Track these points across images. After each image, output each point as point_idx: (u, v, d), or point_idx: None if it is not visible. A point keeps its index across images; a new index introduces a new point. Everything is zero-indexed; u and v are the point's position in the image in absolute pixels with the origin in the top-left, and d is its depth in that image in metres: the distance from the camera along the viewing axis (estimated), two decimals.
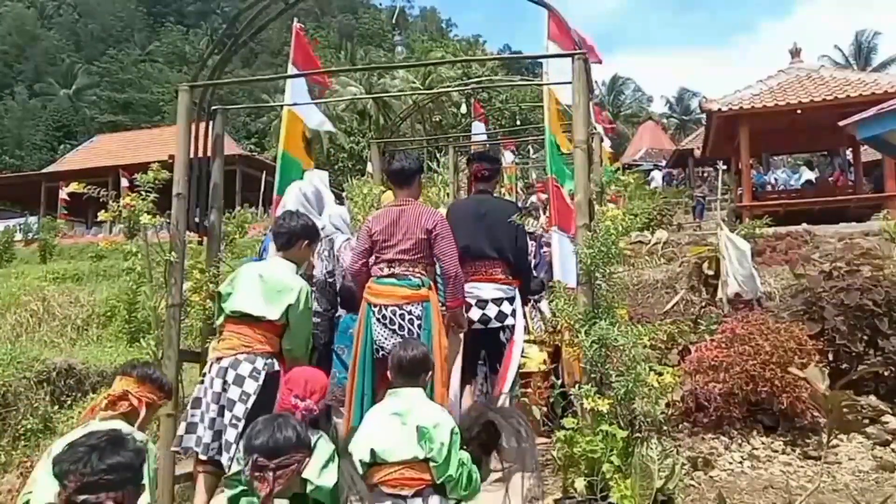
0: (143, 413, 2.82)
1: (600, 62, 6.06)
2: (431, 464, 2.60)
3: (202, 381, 3.78)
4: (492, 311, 4.13)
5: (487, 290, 4.13)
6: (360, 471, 2.62)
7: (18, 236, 22.36)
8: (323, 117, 6.11)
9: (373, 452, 2.64)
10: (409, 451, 2.63)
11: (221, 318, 3.89)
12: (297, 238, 3.90)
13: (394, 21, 65.41)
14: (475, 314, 4.12)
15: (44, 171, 32.25)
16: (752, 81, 16.43)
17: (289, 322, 3.71)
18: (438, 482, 2.60)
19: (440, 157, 15.21)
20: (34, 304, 10.49)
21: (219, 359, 3.70)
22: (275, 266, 3.87)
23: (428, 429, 2.63)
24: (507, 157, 14.65)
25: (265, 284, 3.73)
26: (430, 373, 2.99)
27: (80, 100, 56.24)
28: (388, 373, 2.91)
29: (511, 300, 4.23)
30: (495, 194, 4.85)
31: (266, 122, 40.99)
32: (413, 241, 3.75)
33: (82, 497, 1.75)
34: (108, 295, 10.49)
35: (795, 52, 17.42)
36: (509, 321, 4.23)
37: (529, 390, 4.58)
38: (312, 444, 2.47)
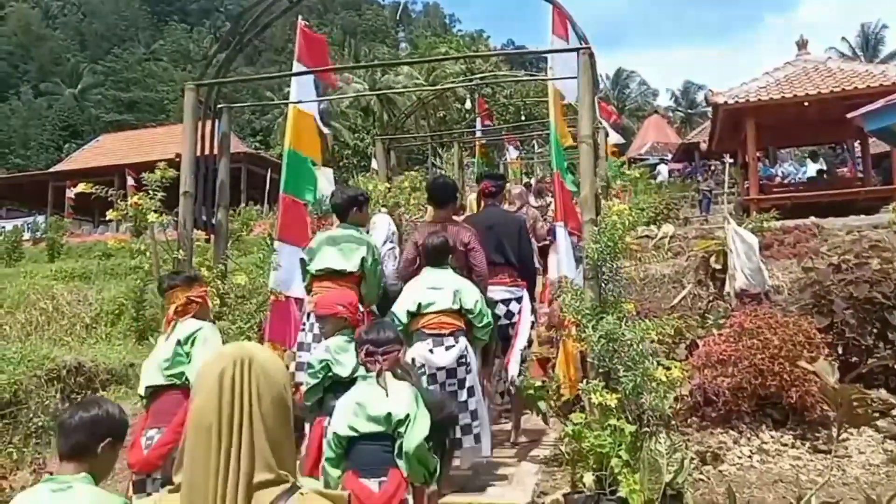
0: (210, 304, 3.71)
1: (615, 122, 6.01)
2: (467, 314, 3.78)
3: (303, 329, 4.45)
4: (501, 310, 4.61)
5: (497, 293, 4.61)
6: (405, 320, 3.83)
7: (26, 235, 22.49)
8: (323, 111, 6.13)
9: (418, 305, 3.89)
10: (447, 303, 3.89)
11: (308, 279, 4.50)
12: (346, 208, 4.56)
13: (397, 17, 65.34)
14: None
15: (50, 170, 32.36)
16: (757, 74, 16.34)
17: (364, 272, 4.35)
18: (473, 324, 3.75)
19: (444, 153, 15.20)
20: (43, 303, 10.55)
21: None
22: (343, 230, 4.52)
23: (461, 289, 3.88)
24: (512, 153, 14.65)
25: (339, 245, 4.39)
26: (452, 256, 3.88)
27: (86, 99, 56.43)
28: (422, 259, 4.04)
29: (518, 300, 4.74)
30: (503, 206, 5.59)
31: (270, 120, 41.05)
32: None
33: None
34: (116, 293, 10.54)
35: (802, 45, 17.29)
36: (516, 318, 4.73)
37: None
38: None
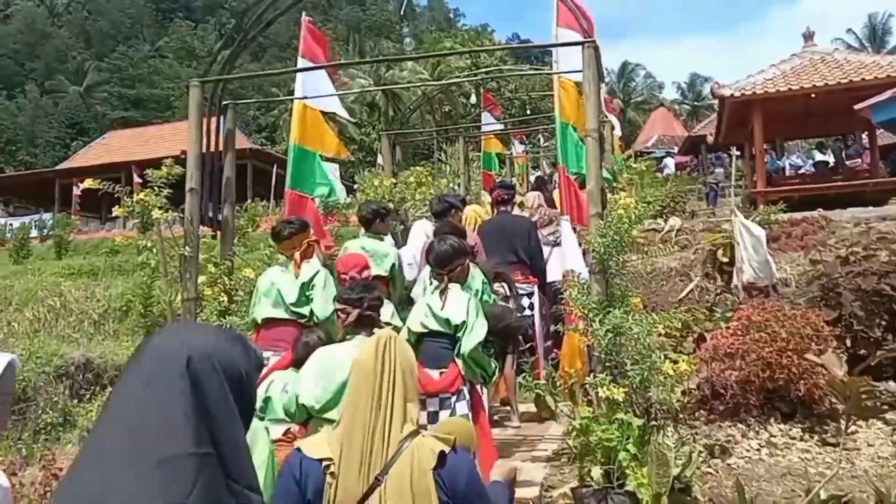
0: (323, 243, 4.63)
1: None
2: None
3: None
4: (525, 301, 5.07)
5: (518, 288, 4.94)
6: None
7: (34, 233, 22.60)
8: (337, 103, 6.16)
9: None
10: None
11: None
12: (370, 219, 4.97)
13: (402, 12, 65.17)
14: (511, 305, 4.92)
15: (57, 168, 32.49)
16: (764, 66, 16.24)
17: (392, 276, 4.75)
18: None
19: (448, 147, 15.18)
20: (51, 300, 10.62)
21: None
22: (369, 240, 4.92)
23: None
24: (518, 147, 14.59)
25: (370, 252, 4.62)
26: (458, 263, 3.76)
27: (92, 97, 56.59)
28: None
29: (530, 295, 5.13)
30: (514, 212, 5.98)
31: (276, 116, 41.07)
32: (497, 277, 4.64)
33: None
34: (124, 290, 10.58)
35: (809, 36, 17.17)
36: (527, 312, 5.11)
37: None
38: None
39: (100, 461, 1.03)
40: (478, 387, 3.55)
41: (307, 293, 4.03)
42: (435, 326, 3.46)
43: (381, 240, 4.95)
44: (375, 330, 2.86)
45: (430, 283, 3.67)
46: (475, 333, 3.35)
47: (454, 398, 3.36)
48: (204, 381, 1.08)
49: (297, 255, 4.13)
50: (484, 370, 3.42)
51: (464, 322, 3.37)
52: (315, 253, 4.26)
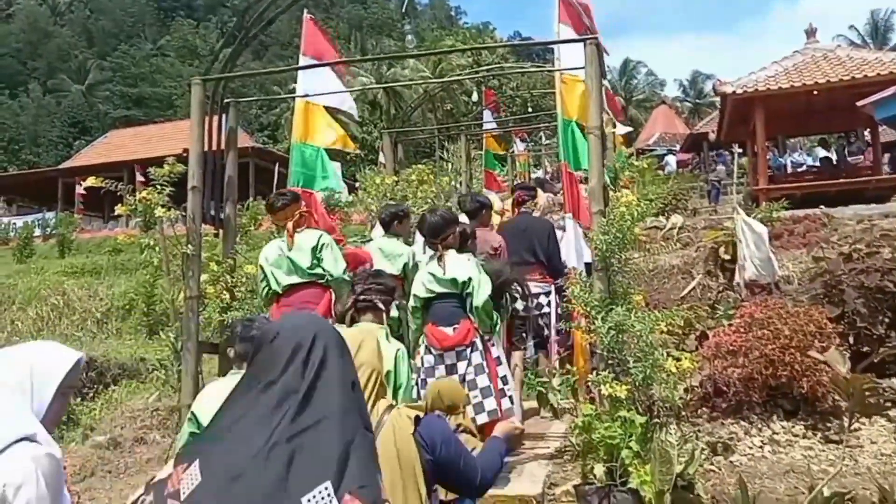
0: (316, 215, 4.81)
1: (606, 54, 6.00)
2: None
3: None
4: (531, 302, 5.13)
5: (532, 288, 5.09)
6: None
7: (37, 232, 22.64)
8: (348, 99, 6.16)
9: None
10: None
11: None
12: (389, 221, 5.11)
13: (403, 10, 65.13)
14: (520, 304, 5.06)
15: (60, 167, 32.53)
16: (766, 63, 16.19)
17: (406, 275, 4.81)
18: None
19: (451, 145, 15.17)
20: (54, 299, 10.65)
21: None
22: (387, 241, 5.08)
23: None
24: (519, 145, 14.60)
25: (386, 253, 4.89)
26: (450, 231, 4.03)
27: (94, 95, 56.64)
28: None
29: (547, 294, 5.30)
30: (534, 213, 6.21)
31: (278, 115, 41.07)
32: (484, 256, 4.78)
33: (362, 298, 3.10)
34: (127, 288, 10.61)
35: (811, 32, 17.11)
36: (545, 310, 5.32)
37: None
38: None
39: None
40: (486, 337, 3.92)
41: (318, 255, 4.33)
42: (440, 289, 3.89)
43: (398, 240, 5.10)
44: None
45: (425, 253, 4.16)
46: (483, 288, 3.78)
47: (469, 350, 3.80)
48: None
49: (289, 224, 4.35)
50: (491, 320, 3.88)
51: (470, 279, 3.79)
52: (307, 224, 4.50)
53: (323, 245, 4.34)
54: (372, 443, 1.37)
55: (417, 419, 2.06)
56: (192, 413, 3.10)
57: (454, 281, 3.82)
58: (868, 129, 17.77)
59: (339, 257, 4.37)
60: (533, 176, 13.62)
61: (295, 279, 4.34)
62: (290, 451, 1.23)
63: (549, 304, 5.31)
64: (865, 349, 5.01)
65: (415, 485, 2.00)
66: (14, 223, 24.36)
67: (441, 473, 2.07)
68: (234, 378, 2.89)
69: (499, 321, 4.02)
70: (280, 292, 4.37)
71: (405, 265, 4.95)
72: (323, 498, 1.22)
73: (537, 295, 5.22)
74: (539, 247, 5.34)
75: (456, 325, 3.80)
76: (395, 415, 2.07)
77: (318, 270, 4.33)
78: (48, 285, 11.88)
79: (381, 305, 3.14)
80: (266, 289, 4.42)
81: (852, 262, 5.41)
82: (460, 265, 3.86)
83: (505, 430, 2.42)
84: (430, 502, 2.04)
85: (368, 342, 2.29)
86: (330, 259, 4.32)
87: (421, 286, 3.99)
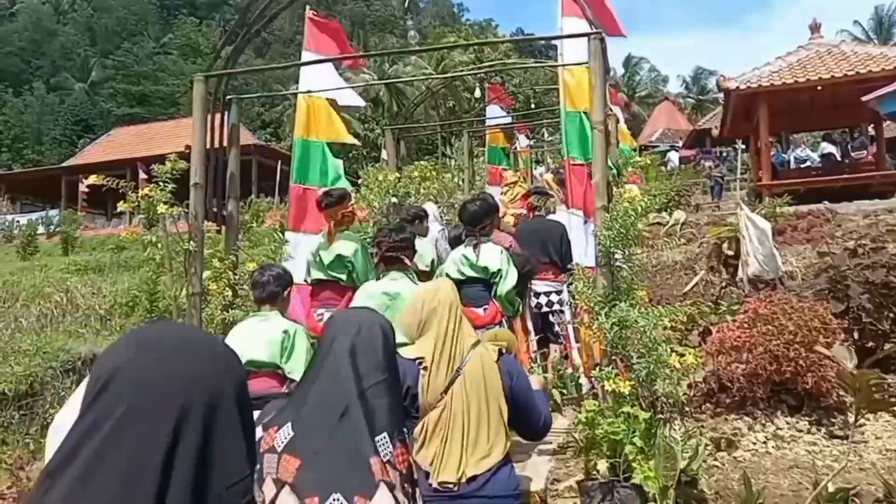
0: (358, 215, 5.07)
1: (623, 35, 5.97)
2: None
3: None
4: (543, 300, 5.54)
5: (541, 286, 5.53)
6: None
7: (41, 229, 22.69)
8: (352, 93, 6.16)
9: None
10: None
11: None
12: (409, 221, 5.16)
13: (405, 6, 65.02)
14: (533, 302, 5.54)
15: (63, 164, 32.60)
16: (769, 59, 16.14)
17: (433, 269, 4.89)
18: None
19: (455, 141, 15.14)
20: (58, 296, 10.65)
21: None
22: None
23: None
24: (522, 141, 14.56)
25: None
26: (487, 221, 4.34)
27: (97, 93, 56.71)
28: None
29: (559, 293, 5.55)
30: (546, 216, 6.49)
31: (280, 112, 41.07)
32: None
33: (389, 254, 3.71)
34: (130, 285, 10.61)
35: (815, 28, 17.05)
36: (556, 307, 5.58)
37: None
38: None
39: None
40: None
41: (347, 262, 4.52)
42: (472, 274, 4.20)
43: (420, 239, 5.23)
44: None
45: (465, 239, 4.42)
46: (509, 279, 4.09)
47: (497, 328, 4.05)
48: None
49: (331, 223, 4.59)
50: (513, 306, 4.27)
51: (499, 270, 4.10)
52: (352, 221, 4.81)
53: (358, 255, 4.54)
54: (401, 399, 1.86)
55: (500, 352, 2.50)
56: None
57: (485, 269, 4.12)
58: (872, 125, 17.71)
59: (369, 264, 4.49)
60: (536, 172, 13.58)
61: (321, 276, 4.60)
62: (360, 409, 1.65)
63: (560, 302, 5.58)
64: (870, 345, 4.99)
65: (497, 405, 2.39)
66: (18, 221, 24.42)
67: (515, 401, 2.44)
68: (256, 318, 3.70)
69: (520, 307, 4.42)
70: (308, 282, 4.72)
71: (432, 261, 5.14)
72: (385, 443, 1.65)
73: (549, 293, 5.55)
74: (553, 248, 5.64)
75: (485, 307, 4.13)
76: (481, 348, 2.48)
77: (337, 273, 4.53)
78: (52, 282, 11.89)
79: (405, 259, 3.86)
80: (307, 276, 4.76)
81: (857, 258, 5.39)
82: (493, 255, 4.15)
83: (542, 385, 2.80)
84: (505, 427, 2.41)
85: (444, 286, 2.65)
86: (361, 268, 4.53)
87: (454, 267, 4.27)
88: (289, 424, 1.66)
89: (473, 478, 2.29)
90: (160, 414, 0.78)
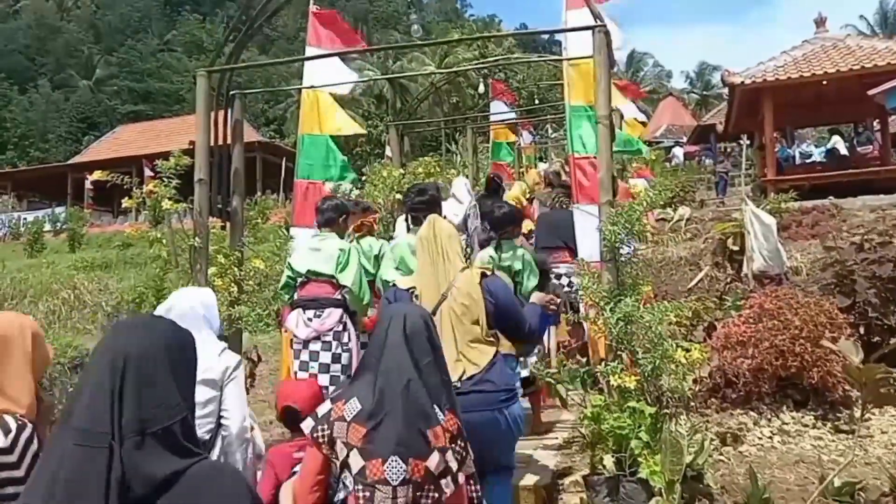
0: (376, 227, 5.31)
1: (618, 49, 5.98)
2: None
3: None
4: (564, 281, 5.88)
5: (561, 268, 5.87)
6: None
7: (47, 227, 22.78)
8: (355, 82, 6.15)
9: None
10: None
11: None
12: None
13: (409, 1, 64.92)
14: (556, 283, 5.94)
15: (69, 162, 32.70)
16: (773, 54, 16.06)
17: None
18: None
19: (460, 138, 15.14)
20: (65, 293, 10.72)
21: None
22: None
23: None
24: (526, 138, 14.54)
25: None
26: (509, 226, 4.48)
27: (102, 91, 56.80)
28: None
29: (568, 275, 5.82)
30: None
31: (284, 109, 41.10)
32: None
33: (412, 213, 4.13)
34: (136, 282, 10.65)
35: (820, 22, 16.96)
36: (572, 288, 5.77)
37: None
38: None
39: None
40: None
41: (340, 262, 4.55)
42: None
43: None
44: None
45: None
46: (531, 280, 4.23)
47: None
48: None
49: (350, 228, 4.74)
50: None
51: (521, 270, 4.24)
52: (371, 230, 4.94)
53: (385, 254, 4.57)
54: (447, 374, 2.19)
55: (483, 275, 2.91)
56: (289, 263, 4.38)
57: (509, 268, 4.22)
58: (878, 120, 17.63)
59: (354, 268, 4.32)
60: (542, 167, 13.55)
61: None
62: (418, 385, 2.00)
63: (570, 283, 5.86)
64: (876, 340, 4.98)
65: (481, 319, 2.82)
66: (25, 218, 24.52)
67: (501, 315, 2.88)
68: (316, 238, 4.38)
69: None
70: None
71: (490, 257, 5.29)
72: (438, 413, 2.01)
73: (569, 274, 5.87)
74: (566, 235, 5.88)
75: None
76: (466, 272, 2.90)
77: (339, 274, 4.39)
78: (59, 279, 11.97)
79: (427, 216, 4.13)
80: None
81: (864, 252, 5.37)
82: (516, 255, 4.29)
83: (540, 299, 3.17)
84: (489, 338, 2.85)
85: (427, 224, 3.02)
86: (388, 267, 4.39)
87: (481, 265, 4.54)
88: (355, 399, 2.00)
89: (470, 377, 2.77)
90: (104, 368, 1.26)
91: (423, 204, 4.11)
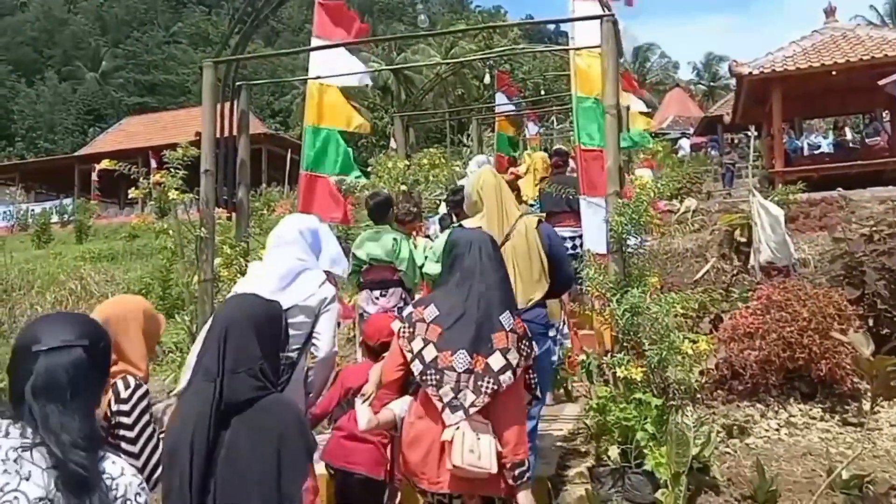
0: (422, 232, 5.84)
1: (630, 4, 5.94)
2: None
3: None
4: (569, 244, 5.99)
5: (567, 232, 6.18)
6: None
7: (55, 218, 22.87)
8: (362, 73, 6.09)
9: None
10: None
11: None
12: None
13: None
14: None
15: (76, 154, 32.77)
16: (781, 44, 15.92)
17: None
18: None
19: (468, 128, 15.09)
20: (72, 284, 10.75)
21: None
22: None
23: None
24: (531, 129, 14.48)
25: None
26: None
27: (108, 83, 56.86)
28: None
29: (579, 237, 5.99)
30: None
31: (290, 101, 41.04)
32: None
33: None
34: (143, 273, 10.69)
35: (830, 12, 16.79)
36: (578, 252, 5.78)
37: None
38: None
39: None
40: None
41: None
42: None
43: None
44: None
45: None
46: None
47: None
48: None
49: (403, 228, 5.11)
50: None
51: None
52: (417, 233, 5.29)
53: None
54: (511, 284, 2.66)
55: (539, 221, 3.33)
56: (353, 253, 4.76)
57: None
58: (887, 111, 17.48)
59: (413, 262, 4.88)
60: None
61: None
62: (490, 294, 2.45)
63: (574, 247, 6.10)
64: (885, 332, 4.94)
65: (539, 257, 3.20)
66: (32, 210, 24.60)
67: (552, 255, 3.24)
68: (372, 231, 4.88)
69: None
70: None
71: None
72: (507, 317, 2.43)
73: (573, 238, 6.15)
74: (573, 200, 6.23)
75: None
76: (525, 217, 3.30)
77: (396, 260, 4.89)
78: (66, 270, 12.01)
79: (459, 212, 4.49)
80: None
81: (874, 244, 5.32)
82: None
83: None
84: (541, 278, 3.21)
85: (484, 174, 3.42)
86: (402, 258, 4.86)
87: None
88: (433, 305, 2.47)
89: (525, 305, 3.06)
90: (215, 332, 2.06)
91: (458, 202, 4.50)
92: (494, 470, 2.27)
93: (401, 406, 2.60)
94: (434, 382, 2.36)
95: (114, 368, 2.13)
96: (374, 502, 3.10)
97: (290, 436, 1.93)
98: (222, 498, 1.89)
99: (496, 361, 2.34)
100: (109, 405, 2.20)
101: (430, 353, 2.39)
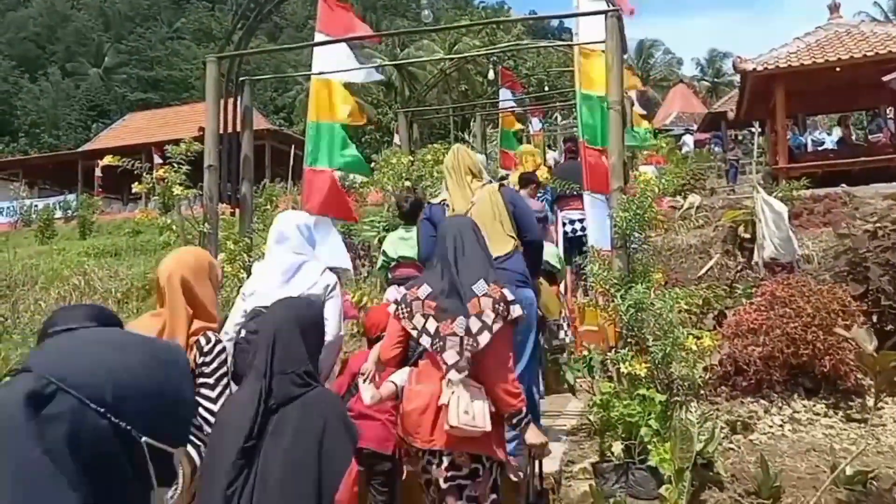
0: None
1: (631, 13, 5.91)
2: None
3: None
4: (578, 226, 6.65)
5: (575, 214, 6.73)
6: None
7: (58, 214, 22.89)
8: (369, 70, 6.13)
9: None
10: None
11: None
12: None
13: None
14: (569, 228, 7.02)
15: (79, 149, 32.81)
16: (785, 40, 15.86)
17: None
18: None
19: (472, 123, 15.06)
20: (76, 279, 10.77)
21: None
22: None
23: None
24: (535, 125, 14.46)
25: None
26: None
27: (111, 79, 56.87)
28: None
29: (581, 220, 6.47)
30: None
31: (293, 97, 41.03)
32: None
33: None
34: (146, 269, 10.70)
35: (834, 8, 16.71)
36: (585, 232, 6.12)
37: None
38: None
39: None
40: None
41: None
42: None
43: None
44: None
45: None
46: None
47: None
48: None
49: None
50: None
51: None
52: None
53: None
54: (492, 261, 2.92)
55: (500, 185, 3.76)
56: (383, 250, 5.01)
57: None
58: (891, 107, 17.40)
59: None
60: (548, 156, 13.47)
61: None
62: (466, 270, 2.71)
63: (583, 228, 6.38)
64: (889, 328, 4.93)
65: (504, 218, 3.58)
66: (36, 205, 24.63)
67: (516, 216, 3.59)
68: (402, 230, 5.01)
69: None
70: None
71: (558, 257, 5.66)
72: (481, 285, 2.66)
73: (582, 220, 6.42)
74: (580, 183, 6.46)
75: None
76: (487, 186, 3.69)
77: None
78: (69, 266, 12.04)
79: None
80: None
81: (878, 240, 5.31)
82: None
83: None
84: (510, 234, 3.58)
85: (449, 156, 3.90)
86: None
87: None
88: (426, 284, 2.74)
89: (496, 258, 3.23)
90: (267, 329, 2.34)
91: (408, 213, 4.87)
92: (488, 428, 2.50)
93: (401, 377, 2.80)
94: (439, 349, 2.61)
95: (193, 327, 2.45)
96: (382, 474, 3.24)
97: (332, 427, 2.16)
98: (262, 485, 2.08)
99: (473, 324, 2.62)
100: (195, 359, 2.43)
101: (432, 325, 2.66)
